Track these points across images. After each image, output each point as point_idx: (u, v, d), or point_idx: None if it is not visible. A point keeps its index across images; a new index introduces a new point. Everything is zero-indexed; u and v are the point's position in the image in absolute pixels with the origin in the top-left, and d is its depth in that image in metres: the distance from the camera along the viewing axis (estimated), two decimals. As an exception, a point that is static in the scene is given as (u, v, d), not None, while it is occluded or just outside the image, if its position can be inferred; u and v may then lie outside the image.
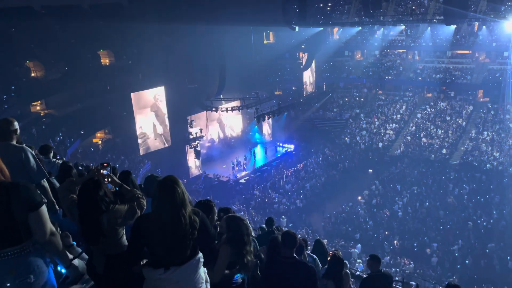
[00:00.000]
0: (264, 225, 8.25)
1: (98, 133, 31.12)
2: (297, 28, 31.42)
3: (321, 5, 35.05)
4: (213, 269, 3.43)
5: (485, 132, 31.08)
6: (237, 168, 32.21)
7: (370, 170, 31.37)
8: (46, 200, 3.35)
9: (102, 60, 32.80)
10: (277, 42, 41.44)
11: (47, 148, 6.36)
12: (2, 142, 3.88)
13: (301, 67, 38.94)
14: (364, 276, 7.26)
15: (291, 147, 36.03)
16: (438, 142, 31.92)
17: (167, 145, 31.57)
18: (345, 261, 5.97)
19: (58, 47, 27.61)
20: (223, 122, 36.57)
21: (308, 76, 39.15)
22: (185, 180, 28.53)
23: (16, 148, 3.93)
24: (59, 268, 3.19)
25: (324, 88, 41.08)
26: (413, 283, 11.88)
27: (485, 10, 29.57)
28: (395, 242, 22.17)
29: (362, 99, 39.15)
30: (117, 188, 3.33)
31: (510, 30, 29.61)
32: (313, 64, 38.99)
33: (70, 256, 3.17)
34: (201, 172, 32.13)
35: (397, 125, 34.92)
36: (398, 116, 35.83)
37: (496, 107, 32.63)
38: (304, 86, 38.71)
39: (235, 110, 32.33)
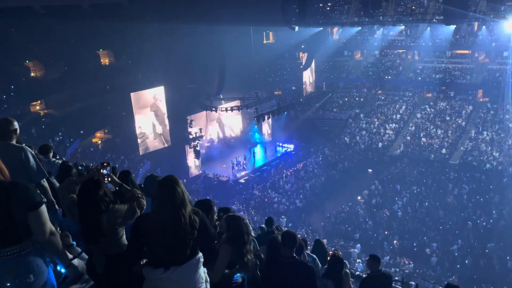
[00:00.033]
0: (263, 225, 8.25)
1: (98, 133, 31.11)
2: (296, 28, 31.43)
3: (320, 5, 35.07)
4: (213, 268, 3.43)
5: (485, 132, 31.10)
6: (236, 168, 32.21)
7: (370, 170, 31.38)
8: (45, 200, 3.35)
9: (101, 60, 32.81)
10: (276, 42, 41.46)
11: (46, 148, 6.36)
12: (2, 142, 3.88)
13: (301, 67, 38.95)
14: (364, 276, 7.26)
15: (290, 147, 36.03)
16: (437, 142, 31.93)
17: (166, 145, 31.57)
18: (344, 261, 5.97)
19: (58, 47, 27.61)
20: (222, 122, 36.57)
21: (308, 76, 39.15)
22: (184, 180, 28.52)
23: (16, 147, 3.92)
24: (58, 268, 3.18)
25: (323, 88, 41.08)
26: (413, 283, 11.89)
27: (485, 10, 29.59)
28: (394, 242, 22.18)
29: (361, 99, 39.15)
30: (117, 188, 3.32)
31: (510, 30, 29.63)
32: (313, 64, 38.99)
33: (70, 256, 3.17)
34: (200, 172, 32.13)
35: (396, 125, 34.93)
36: (398, 116, 35.85)
37: (495, 107, 32.65)
38: (304, 86, 38.70)
39: (234, 110, 32.34)
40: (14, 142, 3.97)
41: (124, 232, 3.18)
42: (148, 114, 30.19)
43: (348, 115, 37.71)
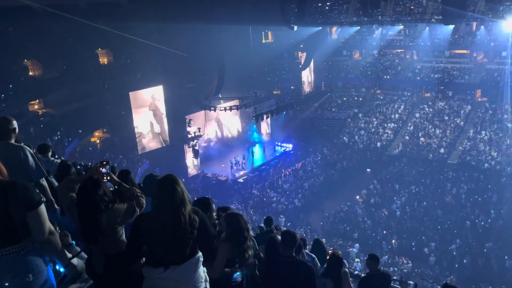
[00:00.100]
0: (262, 224, 8.25)
1: (96, 132, 31.09)
2: (295, 28, 31.36)
3: (319, 4, 34.99)
4: (212, 266, 3.43)
5: (483, 132, 31.15)
6: (235, 167, 32.18)
7: (368, 170, 31.41)
8: (44, 199, 3.34)
9: (100, 59, 32.78)
10: (275, 42, 41.42)
11: (45, 147, 6.35)
12: (1, 141, 3.87)
13: (300, 66, 38.94)
14: (363, 275, 7.27)
15: (289, 146, 36.03)
16: (436, 142, 31.97)
17: (165, 145, 31.54)
18: (343, 260, 5.97)
19: (56, 46, 27.54)
20: (221, 122, 36.55)
21: (307, 76, 39.15)
22: (183, 179, 28.33)
23: (15, 147, 3.92)
24: (57, 267, 3.18)
25: (322, 87, 41.07)
26: (411, 282, 11.89)
27: (483, 10, 29.58)
28: (393, 241, 22.22)
29: (360, 99, 39.17)
30: (116, 187, 3.32)
31: (508, 30, 29.65)
32: (312, 64, 38.99)
33: (69, 255, 3.16)
34: (199, 171, 32.11)
35: (395, 125, 34.96)
36: (397, 115, 35.88)
37: (494, 107, 32.71)
38: (303, 86, 38.71)
39: (233, 109, 32.32)
40: (13, 141, 3.97)
41: (124, 232, 3.18)
42: (146, 113, 30.16)
43: (347, 115, 37.72)
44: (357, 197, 27.20)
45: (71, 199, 3.23)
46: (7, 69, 25.67)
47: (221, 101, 33.57)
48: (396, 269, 19.00)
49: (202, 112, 33.57)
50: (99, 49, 32.32)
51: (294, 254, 4.09)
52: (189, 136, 30.89)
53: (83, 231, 3.03)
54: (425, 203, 25.31)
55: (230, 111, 32.38)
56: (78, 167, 9.91)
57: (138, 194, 3.22)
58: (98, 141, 31.12)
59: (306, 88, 39.21)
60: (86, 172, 3.41)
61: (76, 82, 27.63)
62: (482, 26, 33.16)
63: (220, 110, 32.44)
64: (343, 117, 37.64)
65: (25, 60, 28.45)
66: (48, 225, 2.72)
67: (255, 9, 28.55)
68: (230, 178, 30.76)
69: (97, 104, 28.19)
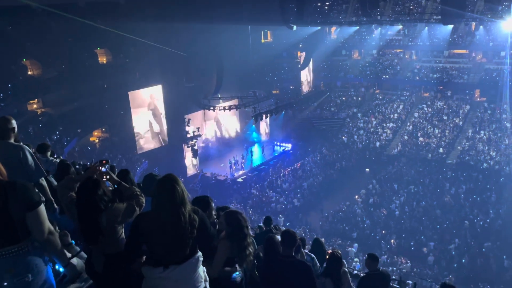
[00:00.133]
0: (262, 224, 8.25)
1: (95, 131, 31.06)
2: (294, 27, 31.37)
3: (319, 4, 35.05)
4: (211, 264, 3.43)
5: (482, 132, 31.19)
6: (234, 167, 32.19)
7: (367, 169, 31.43)
8: (44, 199, 3.34)
9: (99, 59, 32.73)
10: (274, 41, 41.43)
11: (44, 147, 6.33)
12: (0, 141, 3.86)
13: (299, 66, 38.92)
14: (362, 275, 7.28)
15: (288, 146, 36.04)
16: (435, 142, 32.01)
17: (164, 144, 31.52)
18: (343, 260, 5.97)
19: (55, 46, 27.51)
20: (220, 121, 36.54)
21: (306, 75, 39.15)
22: (182, 179, 28.33)
23: (14, 146, 3.91)
24: (57, 267, 3.17)
25: (321, 87, 41.08)
26: (410, 282, 11.91)
27: (482, 10, 29.66)
28: (392, 241, 22.23)
29: (359, 98, 39.19)
30: (115, 186, 3.31)
31: (507, 30, 29.67)
32: (311, 63, 38.98)
33: (69, 255, 3.16)
34: (198, 171, 32.10)
35: (394, 125, 34.99)
36: (395, 115, 35.90)
37: (493, 107, 32.75)
38: (302, 85, 38.70)
39: (232, 109, 32.31)
40: (12, 140, 3.96)
41: (123, 231, 3.18)
42: (145, 113, 30.12)
43: (346, 115, 37.75)
44: (356, 196, 27.21)
45: (71, 198, 3.23)
46: (6, 69, 25.64)
47: (220, 100, 33.57)
48: (395, 268, 19.03)
49: (201, 111, 33.54)
50: (98, 48, 32.29)
51: (293, 254, 4.10)
52: (188, 135, 30.88)
53: (83, 231, 3.03)
54: (424, 203, 25.33)
55: (229, 110, 32.37)
56: (77, 166, 9.89)
57: (138, 193, 3.22)
58: (97, 140, 31.10)
59: (305, 88, 39.21)
60: (86, 171, 3.41)
61: (75, 82, 27.58)
62: (481, 26, 33.23)
63: (219, 109, 32.43)
64: (342, 117, 37.67)
65: (24, 60, 28.41)
66: (48, 225, 2.72)
67: (254, 9, 28.59)
68: (229, 177, 30.76)
69: (96, 103, 28.16)
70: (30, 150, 4.05)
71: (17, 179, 2.67)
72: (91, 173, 3.21)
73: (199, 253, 2.95)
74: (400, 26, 36.49)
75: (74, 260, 3.23)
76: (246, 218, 3.81)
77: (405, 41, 37.81)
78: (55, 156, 7.27)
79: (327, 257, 5.49)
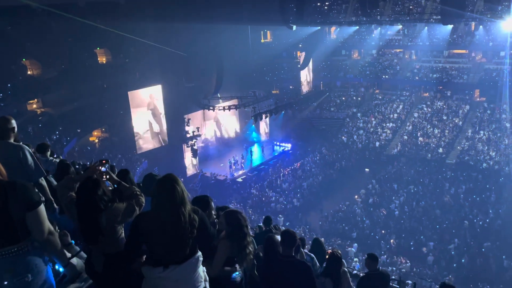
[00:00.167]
0: (261, 224, 8.24)
1: (95, 131, 31.05)
2: (294, 27, 31.39)
3: (318, 4, 35.07)
4: (211, 264, 3.43)
5: (482, 132, 31.20)
6: (234, 167, 32.18)
7: (367, 169, 31.43)
8: (44, 199, 3.33)
9: (99, 59, 32.74)
10: (274, 41, 41.46)
11: (44, 147, 6.33)
12: (0, 141, 3.86)
13: (298, 66, 38.94)
14: (361, 275, 7.28)
15: (288, 146, 36.04)
16: (434, 141, 32.02)
17: (164, 144, 31.51)
18: (343, 259, 5.97)
19: (55, 46, 27.53)
20: (220, 121, 36.54)
21: (305, 75, 39.16)
22: (182, 179, 28.38)
23: (14, 146, 3.91)
24: (57, 267, 3.17)
25: (321, 87, 41.09)
26: (410, 281, 11.91)
27: (482, 10, 29.67)
28: (391, 241, 22.23)
29: (359, 98, 39.20)
30: (115, 186, 3.31)
31: (507, 30, 29.70)
32: (310, 63, 38.99)
33: (68, 255, 3.16)
34: (198, 171, 32.10)
35: (394, 124, 35.00)
36: (395, 115, 35.91)
37: (492, 107, 32.76)
38: (301, 85, 38.70)
39: (232, 108, 32.31)
40: (12, 140, 3.96)
41: (123, 231, 3.18)
42: (145, 113, 30.12)
43: (346, 114, 37.75)
44: (356, 196, 27.21)
45: (71, 198, 3.23)
46: (5, 69, 25.64)
47: (220, 100, 33.57)
48: (394, 268, 19.02)
49: (201, 111, 33.52)
50: (98, 48, 32.29)
51: (293, 254, 4.10)
52: (188, 135, 30.87)
53: (83, 231, 3.02)
54: (423, 202, 25.34)
55: (229, 110, 32.38)
56: (77, 166, 9.89)
57: (137, 193, 3.21)
58: (96, 140, 31.09)
59: (305, 88, 39.22)
60: (86, 171, 3.40)
61: (75, 82, 27.59)
62: (481, 26, 33.25)
63: (219, 109, 32.44)
64: (341, 117, 37.67)
65: (24, 60, 28.40)
66: (48, 225, 2.71)
67: (254, 9, 28.61)
68: (229, 177, 30.75)
69: (95, 103, 28.16)
70: (30, 150, 4.05)
71: (17, 179, 2.67)
72: (91, 173, 3.20)
73: (199, 253, 2.95)
74: (400, 26, 36.51)
75: (74, 260, 3.22)
76: (246, 217, 3.82)
77: (405, 41, 37.84)
78: (55, 156, 7.27)
79: (327, 257, 5.49)
